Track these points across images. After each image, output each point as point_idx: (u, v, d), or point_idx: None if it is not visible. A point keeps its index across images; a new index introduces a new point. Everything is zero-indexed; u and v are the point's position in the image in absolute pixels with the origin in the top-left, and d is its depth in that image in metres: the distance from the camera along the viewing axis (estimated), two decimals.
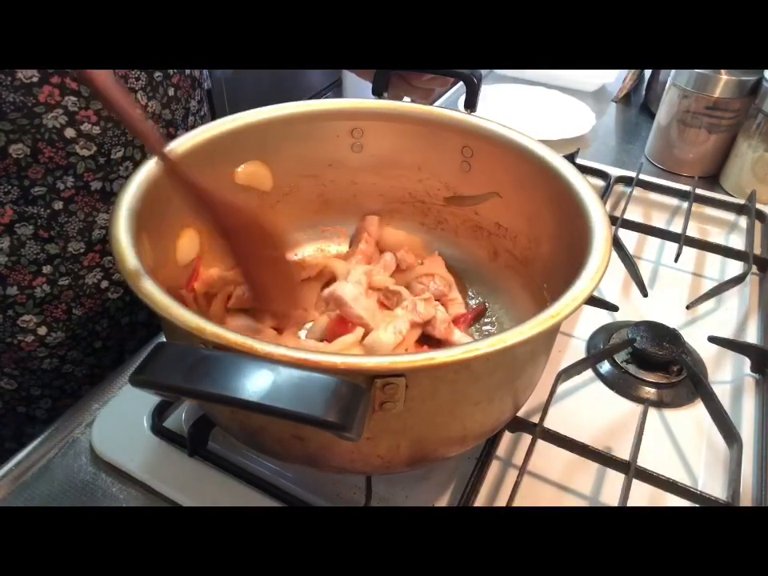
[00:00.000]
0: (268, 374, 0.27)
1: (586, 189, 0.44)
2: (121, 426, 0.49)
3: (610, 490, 0.47)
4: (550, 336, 0.43)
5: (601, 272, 0.37)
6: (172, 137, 0.61)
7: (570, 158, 0.75)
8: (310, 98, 0.56)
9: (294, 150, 0.54)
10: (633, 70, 1.11)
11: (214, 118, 0.51)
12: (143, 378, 0.28)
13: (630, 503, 0.42)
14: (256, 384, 0.27)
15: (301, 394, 0.27)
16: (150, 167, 0.43)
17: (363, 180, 0.58)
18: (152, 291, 0.34)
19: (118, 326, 0.64)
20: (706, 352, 0.58)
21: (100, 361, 0.64)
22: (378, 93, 0.56)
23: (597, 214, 0.42)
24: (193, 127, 0.65)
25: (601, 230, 0.40)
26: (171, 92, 0.60)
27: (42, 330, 0.58)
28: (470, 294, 0.58)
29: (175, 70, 0.61)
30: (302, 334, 0.52)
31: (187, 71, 0.63)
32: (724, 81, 0.79)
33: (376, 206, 0.60)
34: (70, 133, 0.52)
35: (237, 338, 0.31)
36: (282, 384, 0.27)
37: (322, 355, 0.30)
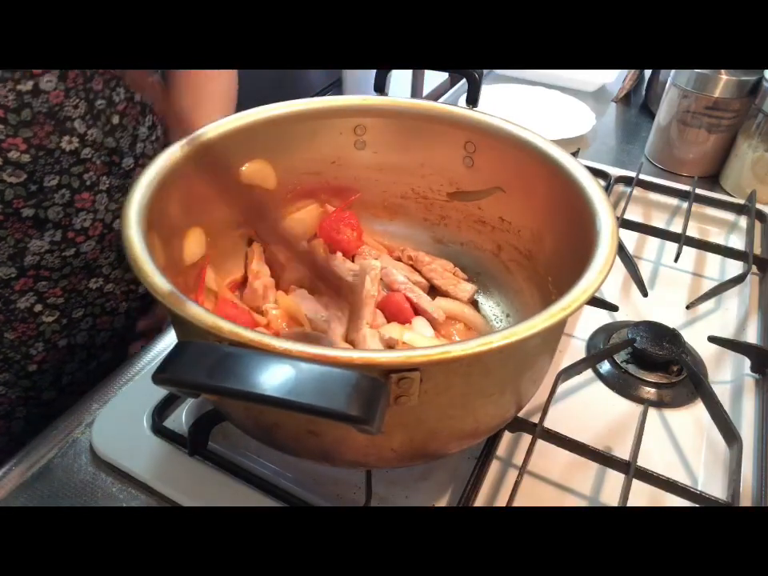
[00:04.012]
0: (290, 370, 0.28)
1: (589, 181, 0.44)
2: (121, 425, 0.49)
3: (610, 490, 0.47)
4: (559, 328, 0.43)
5: (609, 264, 0.37)
6: (116, 165, 0.60)
7: None
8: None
9: (298, 148, 0.54)
10: (633, 70, 1.11)
11: None
12: (166, 377, 0.28)
13: (630, 503, 0.42)
14: (278, 380, 0.27)
15: (323, 389, 0.27)
16: (156, 165, 0.43)
17: (366, 177, 0.58)
18: (168, 290, 0.34)
19: (55, 348, 0.63)
20: (706, 352, 0.58)
21: (35, 383, 0.63)
22: (379, 89, 0.56)
23: (601, 207, 0.42)
24: (142, 154, 0.64)
25: (607, 222, 0.40)
26: (116, 120, 0.58)
27: None
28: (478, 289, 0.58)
29: (121, 98, 0.59)
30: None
31: (136, 98, 0.61)
32: (724, 81, 0.79)
33: (378, 203, 0.60)
34: None
35: (254, 336, 0.31)
36: (303, 379, 0.27)
37: (339, 351, 0.31)
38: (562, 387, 0.53)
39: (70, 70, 0.52)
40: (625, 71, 1.13)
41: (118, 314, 0.68)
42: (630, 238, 0.73)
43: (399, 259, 0.59)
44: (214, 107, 0.70)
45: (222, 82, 0.72)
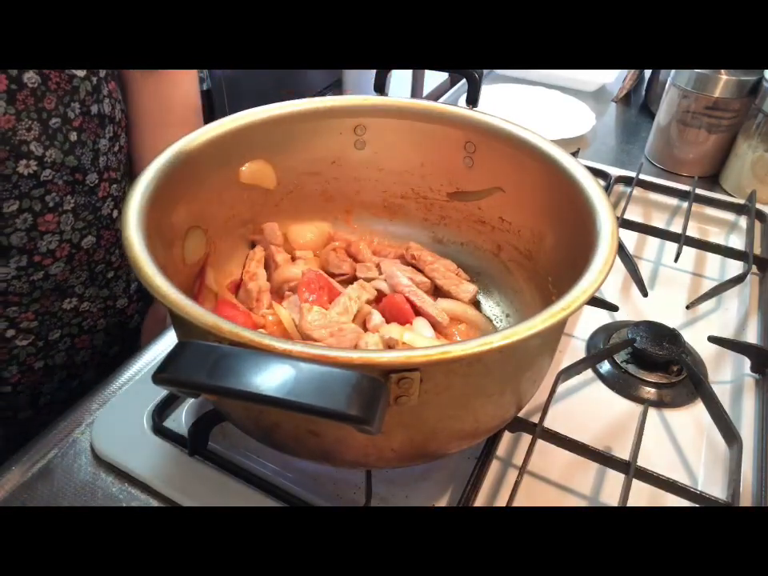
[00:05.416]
0: (289, 370, 0.28)
1: (589, 181, 0.44)
2: (121, 425, 0.49)
3: (610, 490, 0.47)
4: (559, 328, 0.43)
5: (609, 264, 0.37)
6: (80, 183, 0.58)
7: None
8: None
9: (298, 147, 0.55)
10: (633, 70, 1.11)
11: (213, 118, 0.50)
12: (166, 377, 0.28)
13: (630, 503, 0.42)
14: (279, 380, 0.27)
15: (323, 389, 0.27)
16: (155, 168, 0.43)
17: (366, 177, 0.58)
18: (168, 290, 0.34)
19: (31, 370, 0.61)
20: (706, 352, 0.58)
21: (10, 404, 0.62)
22: (379, 89, 0.56)
23: (601, 206, 0.42)
24: (106, 167, 0.61)
25: (607, 222, 0.40)
26: (74, 137, 0.56)
27: None
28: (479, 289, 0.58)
29: (76, 113, 0.56)
30: None
31: (93, 110, 0.58)
32: (724, 81, 0.79)
33: (379, 202, 0.60)
34: None
35: (254, 336, 0.31)
36: (303, 379, 0.27)
37: (339, 351, 0.31)
38: (562, 387, 0.53)
39: (18, 92, 0.50)
40: (625, 71, 1.13)
41: (97, 331, 0.66)
42: (629, 238, 0.73)
43: (402, 257, 0.59)
44: (178, 120, 0.68)
45: (183, 91, 0.69)
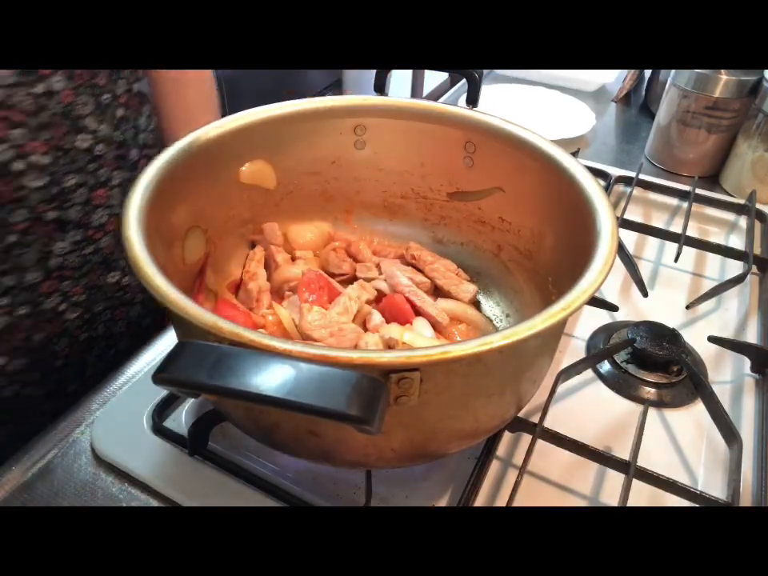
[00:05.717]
0: (289, 370, 0.28)
1: (589, 181, 0.44)
2: (121, 425, 0.49)
3: (610, 490, 0.47)
4: (559, 328, 0.43)
5: (609, 264, 0.37)
6: (124, 158, 0.61)
7: None
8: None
9: (298, 147, 0.55)
10: (633, 70, 1.11)
11: None
12: (166, 377, 0.28)
13: (630, 503, 0.42)
14: (278, 380, 0.27)
15: (323, 389, 0.27)
16: (155, 168, 0.43)
17: (366, 177, 0.58)
18: (168, 290, 0.34)
19: (77, 342, 0.64)
20: (706, 352, 0.58)
21: (62, 377, 0.64)
22: (379, 89, 0.56)
23: (601, 206, 0.42)
24: (145, 144, 0.64)
25: (606, 222, 0.40)
26: (120, 113, 0.60)
27: (2, 360, 0.58)
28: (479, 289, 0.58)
29: (122, 90, 0.60)
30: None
31: (134, 88, 0.62)
32: (724, 81, 0.79)
33: (379, 202, 0.60)
34: (17, 166, 0.51)
35: (254, 336, 0.31)
36: (303, 379, 0.27)
37: (339, 351, 0.31)
38: (562, 387, 0.53)
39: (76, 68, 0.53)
40: (625, 71, 1.14)
41: (134, 304, 0.70)
42: (629, 238, 0.73)
43: (403, 257, 0.59)
44: (200, 111, 0.71)
45: (201, 86, 0.72)
